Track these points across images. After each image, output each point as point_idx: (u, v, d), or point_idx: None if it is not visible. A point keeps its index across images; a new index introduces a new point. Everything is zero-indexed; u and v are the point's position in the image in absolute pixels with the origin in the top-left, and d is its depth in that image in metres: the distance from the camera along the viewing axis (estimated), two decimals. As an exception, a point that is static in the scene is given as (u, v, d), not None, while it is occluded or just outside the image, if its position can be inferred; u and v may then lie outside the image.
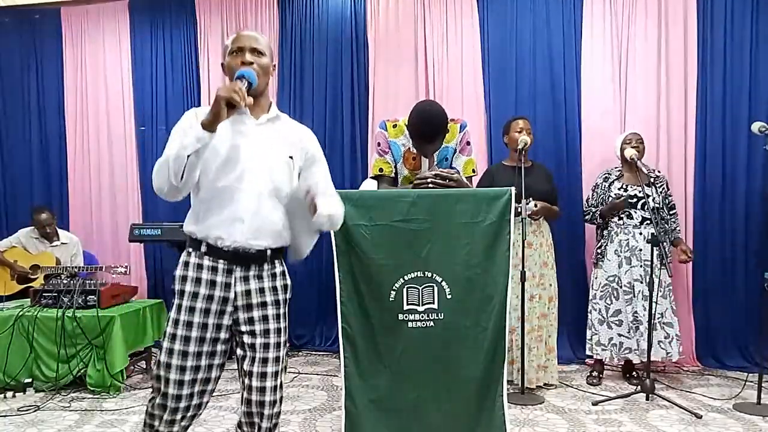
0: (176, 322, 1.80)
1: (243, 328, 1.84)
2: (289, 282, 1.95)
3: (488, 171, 3.87)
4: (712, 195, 4.07)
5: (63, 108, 5.11)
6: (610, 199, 3.66)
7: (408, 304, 2.41)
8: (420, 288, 2.42)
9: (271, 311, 1.86)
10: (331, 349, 4.48)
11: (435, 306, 2.42)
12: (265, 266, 1.87)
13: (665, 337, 3.58)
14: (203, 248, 1.82)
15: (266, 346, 1.83)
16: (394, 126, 2.80)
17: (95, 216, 5.05)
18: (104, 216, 5.03)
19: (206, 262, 1.82)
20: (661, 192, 3.65)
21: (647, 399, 3.32)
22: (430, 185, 2.51)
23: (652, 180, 3.64)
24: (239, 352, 1.86)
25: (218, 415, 3.18)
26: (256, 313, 1.84)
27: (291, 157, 1.92)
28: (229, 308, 1.83)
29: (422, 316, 2.42)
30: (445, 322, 2.42)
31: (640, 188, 3.63)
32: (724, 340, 4.06)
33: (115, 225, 5.00)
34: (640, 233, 3.61)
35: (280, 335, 1.87)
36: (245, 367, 1.83)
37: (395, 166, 2.82)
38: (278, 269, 1.91)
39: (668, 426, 2.98)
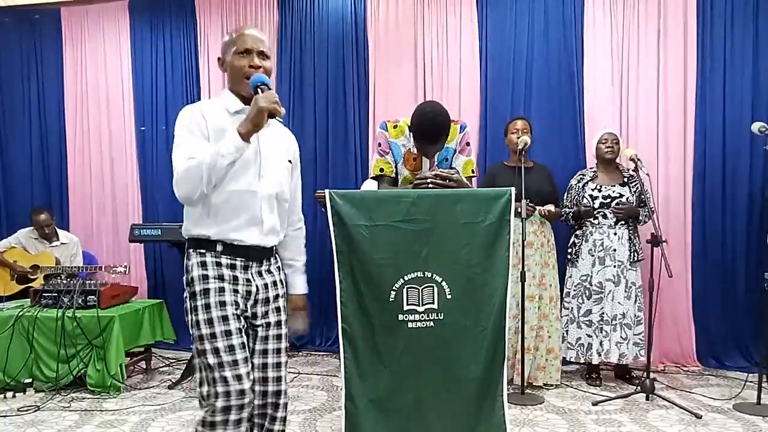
0: (209, 321, 1.77)
1: (259, 321, 1.89)
2: (285, 274, 2.07)
3: (489, 171, 3.88)
4: (713, 195, 4.07)
5: (63, 108, 5.11)
6: (584, 200, 3.66)
7: (408, 304, 2.41)
8: (420, 288, 2.41)
9: (281, 302, 1.96)
10: (331, 349, 4.48)
11: (435, 306, 2.41)
12: (272, 260, 1.96)
13: (623, 338, 3.57)
14: (219, 247, 1.83)
15: (279, 338, 1.92)
16: (395, 126, 2.80)
17: (95, 216, 5.05)
18: (104, 216, 5.03)
19: (224, 260, 1.84)
20: (635, 191, 3.64)
21: (647, 399, 3.32)
22: (430, 185, 2.51)
23: (626, 180, 3.63)
24: (250, 343, 1.89)
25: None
26: (272, 305, 1.93)
27: (290, 161, 2.00)
28: (251, 301, 1.87)
29: (422, 317, 2.41)
30: (445, 322, 2.41)
31: (614, 189, 3.64)
32: (724, 341, 4.06)
33: (115, 225, 5.00)
34: (615, 233, 3.62)
35: (284, 327, 1.98)
36: (255, 360, 1.87)
37: (396, 167, 2.82)
38: (278, 263, 2.02)
39: (668, 426, 2.98)
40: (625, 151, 3.64)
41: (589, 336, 3.62)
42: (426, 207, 2.40)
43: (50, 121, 5.14)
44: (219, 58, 1.94)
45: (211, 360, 1.75)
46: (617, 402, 3.34)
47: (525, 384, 3.38)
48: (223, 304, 1.79)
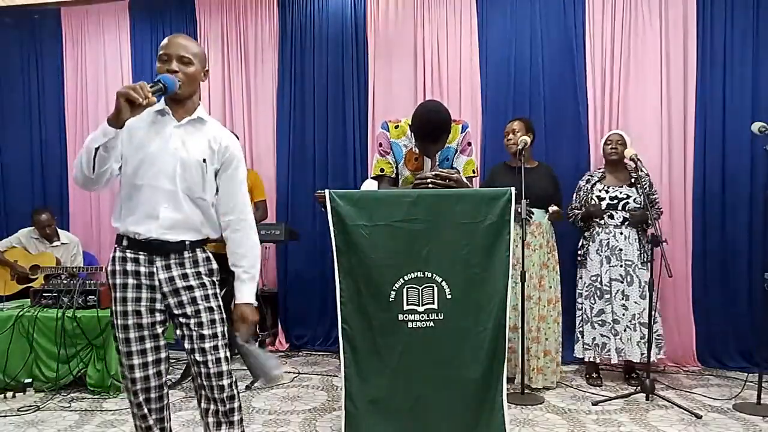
0: (115, 313, 1.94)
1: (176, 311, 1.96)
2: (215, 266, 2.04)
3: (491, 171, 3.88)
4: (713, 195, 4.07)
5: (63, 108, 5.11)
6: (592, 201, 3.65)
7: (408, 305, 2.41)
8: (420, 288, 2.41)
9: (198, 293, 1.96)
10: (331, 349, 4.47)
11: (435, 306, 2.42)
12: (186, 254, 1.97)
13: (641, 338, 3.54)
14: (124, 242, 1.94)
15: (200, 325, 1.95)
16: (396, 126, 2.80)
17: (95, 216, 5.05)
18: (104, 216, 5.02)
19: (128, 254, 1.94)
20: (642, 192, 3.62)
21: (647, 399, 3.32)
22: (430, 185, 2.51)
23: (633, 181, 3.63)
24: (178, 333, 1.98)
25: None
26: (185, 297, 1.95)
27: (204, 160, 1.96)
28: (158, 295, 1.95)
29: (422, 317, 2.42)
30: (445, 322, 2.42)
31: (621, 190, 3.64)
32: (724, 340, 4.06)
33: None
34: (621, 233, 3.61)
35: (211, 313, 1.97)
36: (186, 346, 1.96)
37: (396, 167, 2.82)
38: (201, 256, 2.01)
39: (668, 426, 2.98)
40: (625, 151, 3.63)
41: (603, 336, 3.61)
42: (426, 207, 2.40)
43: (50, 121, 5.14)
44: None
45: (120, 348, 1.96)
46: (617, 402, 3.34)
47: (524, 384, 3.38)
48: (124, 300, 1.93)
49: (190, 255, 1.98)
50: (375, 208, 2.41)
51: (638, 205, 3.60)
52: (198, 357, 1.93)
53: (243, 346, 2.00)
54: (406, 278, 2.40)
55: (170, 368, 4.08)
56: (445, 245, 2.41)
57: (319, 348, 4.62)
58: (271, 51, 4.76)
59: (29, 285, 4.23)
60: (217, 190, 2.01)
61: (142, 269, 1.93)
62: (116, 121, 1.74)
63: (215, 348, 1.96)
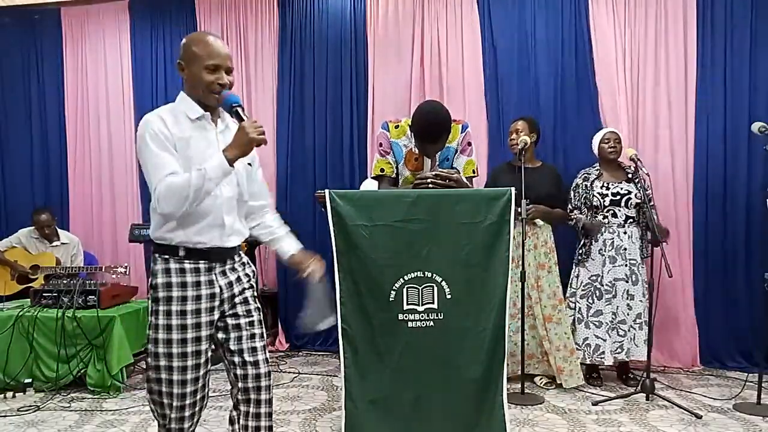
0: (169, 327, 1.86)
1: (228, 313, 1.96)
2: (253, 268, 2.11)
3: (494, 171, 3.87)
4: (713, 195, 4.06)
5: (63, 108, 5.11)
6: (594, 199, 3.64)
7: (408, 304, 2.41)
8: (420, 288, 2.42)
9: (248, 294, 2.01)
10: (331, 349, 4.47)
11: (435, 306, 2.42)
12: (236, 258, 2.01)
13: (647, 338, 3.53)
14: (181, 252, 1.88)
15: (251, 324, 1.97)
16: (396, 126, 2.80)
17: (95, 216, 5.05)
18: (104, 216, 5.03)
19: (187, 265, 1.89)
20: (640, 188, 3.61)
21: (647, 399, 3.32)
22: (430, 185, 2.52)
23: (630, 176, 3.62)
24: (221, 336, 1.95)
25: (218, 415, 3.18)
26: (238, 299, 1.98)
27: (250, 164, 2.02)
28: (217, 302, 1.92)
29: (422, 316, 2.42)
30: (444, 322, 2.42)
31: (622, 186, 3.62)
32: (724, 340, 4.06)
33: (115, 225, 5.00)
34: (625, 232, 3.60)
35: (259, 313, 2.03)
36: (233, 347, 1.94)
37: (396, 167, 2.82)
38: (244, 259, 2.07)
39: (668, 426, 2.98)
40: (625, 150, 3.62)
41: (598, 337, 3.58)
42: (426, 207, 2.41)
43: (50, 121, 5.14)
44: (179, 63, 1.93)
45: (162, 362, 1.87)
46: (617, 402, 3.34)
47: (526, 384, 3.38)
48: (183, 313, 1.86)
49: (239, 258, 2.03)
50: (375, 208, 2.41)
51: (639, 201, 3.58)
52: (248, 357, 1.94)
53: (318, 285, 2.05)
54: (406, 278, 2.41)
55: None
56: (445, 245, 2.41)
57: (319, 348, 4.62)
58: (271, 51, 4.76)
59: (29, 285, 4.23)
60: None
61: (203, 278, 1.89)
62: (237, 160, 1.79)
63: (264, 348, 2.00)
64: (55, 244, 4.50)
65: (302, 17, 4.70)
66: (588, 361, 3.64)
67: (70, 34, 5.09)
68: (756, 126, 3.30)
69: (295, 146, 4.72)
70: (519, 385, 3.38)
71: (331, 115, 4.66)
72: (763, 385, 3.23)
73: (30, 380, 3.57)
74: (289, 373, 4.01)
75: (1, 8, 5.12)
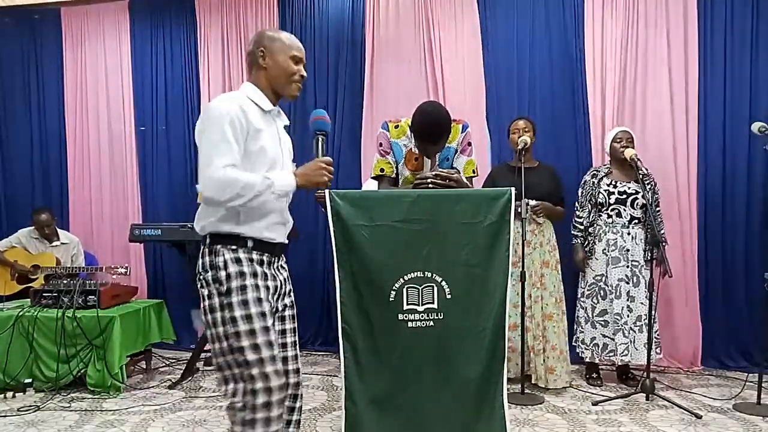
0: (248, 317, 1.79)
1: (280, 314, 1.98)
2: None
3: (491, 172, 3.87)
4: (713, 195, 4.06)
5: (63, 108, 5.11)
6: (600, 196, 3.63)
7: (408, 304, 2.41)
8: (420, 288, 2.41)
9: (291, 298, 2.05)
10: (331, 349, 4.47)
11: (435, 306, 2.42)
12: (284, 256, 2.06)
13: (646, 341, 3.53)
14: (250, 243, 1.87)
15: (294, 331, 2.02)
16: (396, 126, 2.80)
17: (95, 216, 5.05)
18: (104, 216, 5.03)
19: (255, 256, 1.89)
20: (649, 189, 3.61)
21: (647, 399, 3.32)
22: (430, 185, 2.51)
23: (640, 177, 3.62)
24: (287, 326, 2.00)
25: (218, 415, 3.18)
26: (288, 300, 2.02)
27: (293, 161, 2.08)
28: (277, 296, 1.95)
29: (422, 316, 2.42)
30: (444, 322, 2.42)
31: (629, 185, 3.62)
32: (724, 341, 4.06)
33: (115, 225, 5.01)
34: (629, 233, 3.60)
35: (293, 308, 2.07)
36: (289, 339, 1.99)
37: (396, 167, 2.82)
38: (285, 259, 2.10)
39: (668, 426, 2.98)
40: (625, 151, 3.62)
41: (606, 336, 3.58)
42: (426, 207, 2.40)
43: (50, 121, 5.14)
44: (260, 50, 1.93)
45: (251, 356, 1.76)
46: (617, 402, 3.34)
47: (530, 384, 3.37)
48: (260, 301, 1.82)
49: (284, 259, 2.07)
50: (375, 208, 2.41)
51: (646, 202, 3.57)
52: (291, 365, 1.97)
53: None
54: (406, 278, 2.40)
55: (171, 368, 4.12)
56: (445, 245, 2.41)
57: (319, 348, 4.62)
58: (271, 51, 4.76)
59: (29, 285, 4.23)
60: None
61: (268, 271, 1.91)
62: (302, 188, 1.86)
63: (298, 357, 2.02)
64: (55, 244, 4.50)
65: (302, 17, 4.70)
66: (597, 360, 3.65)
67: (70, 34, 5.09)
68: (756, 126, 3.30)
69: (295, 146, 4.67)
70: (519, 385, 3.38)
71: (331, 114, 4.65)
72: (763, 385, 3.23)
73: (30, 380, 3.57)
74: (289, 373, 4.00)
75: (1, 8, 5.12)
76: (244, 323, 1.78)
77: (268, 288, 1.88)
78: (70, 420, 3.15)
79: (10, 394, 3.50)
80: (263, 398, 1.75)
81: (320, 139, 1.92)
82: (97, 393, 3.52)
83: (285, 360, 1.93)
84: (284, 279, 2.01)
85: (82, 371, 3.53)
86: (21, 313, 3.58)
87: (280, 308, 1.97)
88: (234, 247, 1.86)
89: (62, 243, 4.52)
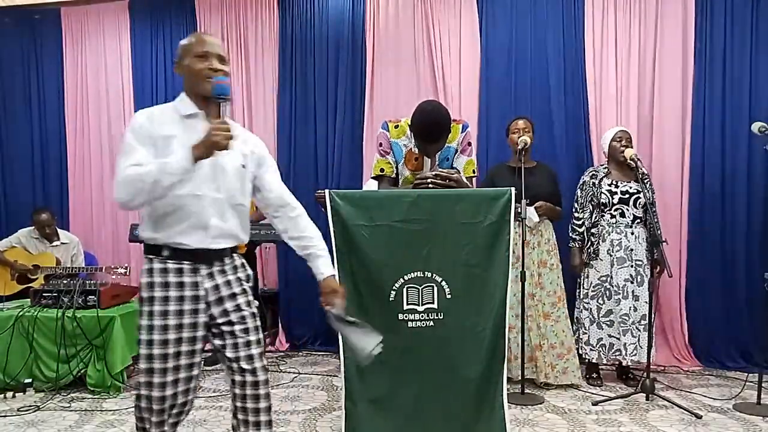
0: (151, 328, 1.84)
1: (220, 320, 1.92)
2: (250, 271, 2.06)
3: (489, 172, 3.87)
4: (712, 195, 4.06)
5: (63, 108, 5.11)
6: (602, 196, 3.63)
7: (408, 304, 2.41)
8: (420, 288, 2.42)
9: (242, 299, 1.96)
10: (331, 349, 4.47)
11: (435, 306, 2.42)
12: (226, 260, 1.96)
13: (650, 339, 3.53)
14: (165, 252, 1.86)
15: (246, 331, 1.94)
16: (396, 126, 2.80)
17: (95, 216, 5.05)
18: (104, 216, 5.03)
19: (170, 265, 1.87)
20: (649, 188, 3.60)
21: (647, 399, 3.32)
22: (430, 185, 2.52)
23: (640, 176, 3.61)
24: (217, 343, 1.94)
25: (218, 415, 3.18)
26: (229, 305, 1.93)
27: (244, 166, 1.97)
28: (202, 305, 1.90)
29: (422, 316, 2.42)
30: (444, 322, 2.42)
31: (630, 185, 3.62)
32: (724, 340, 4.05)
33: (115, 225, 5.01)
34: (632, 233, 3.60)
35: (255, 319, 1.98)
36: (229, 354, 1.92)
37: (396, 167, 2.82)
38: (238, 262, 2.02)
39: (668, 426, 2.98)
40: (626, 152, 3.61)
41: (612, 336, 3.58)
42: (426, 207, 2.41)
43: (50, 121, 5.14)
44: (175, 63, 1.96)
45: (143, 365, 1.85)
46: (617, 402, 3.34)
47: (531, 384, 3.37)
48: (165, 313, 1.84)
49: (230, 261, 1.98)
50: (375, 208, 2.41)
51: (647, 200, 3.56)
52: (245, 365, 1.91)
53: (342, 319, 1.99)
54: (406, 278, 2.41)
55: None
56: (445, 245, 2.42)
57: (319, 348, 4.62)
58: (271, 51, 4.76)
59: (29, 285, 4.23)
60: (258, 189, 2.02)
61: (186, 279, 1.87)
62: (202, 160, 1.75)
63: (262, 355, 1.96)
64: (55, 243, 4.50)
65: (302, 17, 4.71)
66: (605, 360, 3.65)
67: (70, 34, 5.09)
68: (756, 126, 3.29)
69: (296, 146, 4.72)
70: (519, 385, 3.38)
71: (332, 115, 4.66)
72: (763, 385, 3.23)
73: (30, 380, 3.57)
74: (289, 373, 4.01)
75: (1, 8, 5.12)
76: (145, 333, 1.85)
77: (182, 299, 1.85)
78: (70, 420, 3.15)
79: (10, 394, 3.50)
80: (144, 404, 1.86)
81: (220, 103, 1.82)
82: (97, 393, 3.51)
83: (237, 360, 1.90)
84: (216, 286, 1.91)
85: (82, 371, 3.53)
86: (21, 313, 3.58)
87: (217, 314, 1.91)
88: (151, 256, 1.88)
89: (62, 243, 4.52)
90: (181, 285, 1.86)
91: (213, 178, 1.87)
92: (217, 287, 1.92)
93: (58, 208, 5.02)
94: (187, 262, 1.87)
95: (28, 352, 3.55)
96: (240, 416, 1.95)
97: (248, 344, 1.93)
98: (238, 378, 1.92)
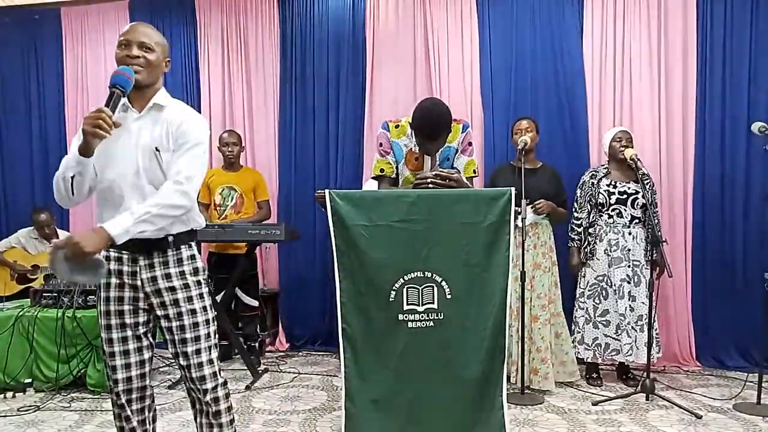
0: (99, 313, 1.96)
1: (159, 312, 1.94)
2: (199, 265, 2.01)
3: (494, 171, 3.86)
4: (712, 195, 4.06)
5: (63, 108, 5.11)
6: (600, 197, 3.63)
7: (408, 304, 2.41)
8: (420, 288, 2.41)
9: (180, 294, 1.93)
10: (331, 349, 4.47)
11: (435, 306, 2.42)
12: (170, 252, 1.94)
13: (650, 339, 3.52)
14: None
15: (181, 328, 1.93)
16: (397, 126, 2.80)
17: (95, 216, 5.01)
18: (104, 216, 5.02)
19: (112, 253, 1.92)
20: (649, 189, 3.61)
21: (647, 399, 3.32)
22: (430, 185, 2.51)
23: (639, 176, 3.61)
24: (166, 336, 1.97)
25: (218, 415, 3.18)
26: (167, 298, 1.92)
27: (157, 149, 1.89)
28: (141, 294, 1.93)
29: (422, 316, 2.42)
30: (444, 322, 2.42)
31: (629, 185, 3.61)
32: (724, 340, 4.06)
33: (115, 225, 4.99)
34: (630, 233, 3.60)
35: (193, 315, 1.94)
36: (170, 349, 1.97)
37: (396, 167, 2.82)
38: (185, 254, 1.97)
39: (668, 426, 2.98)
40: (625, 151, 3.62)
41: (608, 336, 3.58)
42: (426, 207, 2.40)
43: (50, 121, 5.13)
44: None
45: (103, 348, 1.97)
46: (617, 402, 3.34)
47: (524, 384, 3.37)
48: (107, 300, 1.93)
49: (174, 253, 1.94)
50: (375, 208, 2.41)
51: (646, 201, 3.56)
52: (181, 361, 1.94)
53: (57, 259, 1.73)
54: (406, 278, 2.40)
55: (171, 368, 4.12)
56: (445, 245, 2.41)
57: (319, 348, 4.62)
58: (271, 51, 4.76)
59: (29, 285, 4.23)
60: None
61: (125, 268, 1.91)
62: (86, 152, 1.78)
63: (197, 352, 1.93)
64: (54, 243, 4.49)
65: (302, 17, 4.70)
66: (600, 360, 3.65)
67: (70, 34, 5.09)
68: (756, 126, 3.29)
69: (296, 146, 4.71)
70: (519, 385, 3.38)
71: (332, 115, 4.66)
72: (763, 385, 3.23)
73: (30, 380, 3.57)
74: (289, 373, 4.01)
75: (1, 8, 5.11)
76: (98, 318, 1.98)
77: (122, 286, 1.91)
78: (70, 420, 3.15)
79: (10, 394, 3.50)
80: (111, 387, 1.97)
81: (112, 93, 1.77)
82: (97, 393, 3.51)
83: (176, 356, 1.94)
84: (153, 278, 1.90)
85: (82, 371, 3.53)
86: (21, 313, 3.58)
87: (156, 305, 1.92)
88: None
89: (62, 243, 4.51)
90: (120, 273, 1.92)
91: (134, 164, 1.88)
92: (154, 279, 1.91)
93: (58, 208, 5.00)
94: (126, 252, 1.90)
95: (28, 352, 3.55)
96: (197, 406, 2.01)
97: (183, 341, 1.92)
98: (181, 372, 1.99)
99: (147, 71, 1.89)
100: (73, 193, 1.91)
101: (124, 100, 1.87)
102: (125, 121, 1.89)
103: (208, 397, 1.95)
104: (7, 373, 3.55)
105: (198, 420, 2.01)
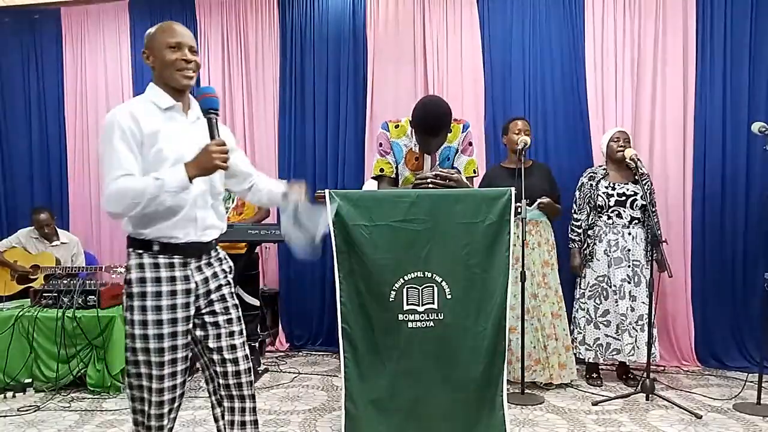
0: (144, 323, 1.84)
1: (204, 310, 1.95)
2: (231, 263, 2.09)
3: (486, 174, 3.86)
4: (712, 195, 4.06)
5: (63, 108, 5.11)
6: (599, 199, 3.63)
7: (408, 304, 2.41)
8: (420, 288, 2.42)
9: (226, 290, 2.01)
10: (331, 349, 4.47)
11: (435, 306, 2.42)
12: (212, 253, 2.00)
13: (650, 338, 3.53)
14: (155, 247, 1.86)
15: (229, 321, 1.98)
16: (397, 126, 2.80)
17: (95, 216, 5.05)
18: (104, 216, 5.02)
19: (161, 260, 1.87)
20: (648, 189, 3.59)
21: (647, 399, 3.32)
22: (430, 185, 2.52)
23: (637, 177, 3.60)
24: (198, 333, 1.95)
25: (218, 415, 3.18)
26: (215, 295, 1.97)
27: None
28: (192, 298, 1.91)
29: (422, 316, 2.42)
30: (444, 322, 2.42)
31: (628, 186, 3.61)
32: (724, 340, 4.05)
33: (115, 225, 4.99)
34: (629, 233, 3.60)
35: (237, 310, 2.03)
36: (211, 344, 1.95)
37: (396, 167, 2.82)
38: (221, 253, 2.06)
39: (668, 426, 2.98)
40: (625, 151, 3.61)
41: (609, 336, 3.58)
42: (426, 207, 2.41)
43: (50, 121, 5.13)
44: (144, 52, 1.93)
45: (141, 357, 1.85)
46: (617, 402, 3.34)
47: (530, 384, 3.37)
48: (158, 308, 1.84)
49: (215, 253, 2.02)
50: (375, 208, 2.41)
51: (644, 202, 3.57)
52: (227, 354, 1.95)
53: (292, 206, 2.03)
54: (406, 278, 2.41)
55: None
56: (445, 245, 2.41)
57: (319, 348, 4.63)
58: (271, 51, 4.76)
59: (29, 285, 4.23)
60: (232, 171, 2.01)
61: (177, 273, 1.87)
62: (198, 178, 1.79)
63: (244, 344, 2.01)
64: (54, 243, 4.50)
65: (302, 17, 4.70)
66: (601, 360, 3.65)
67: (70, 34, 5.09)
68: (756, 126, 3.29)
69: (296, 146, 4.72)
70: (519, 385, 3.38)
71: (332, 115, 4.66)
72: (763, 385, 3.23)
73: (30, 380, 3.57)
74: (289, 373, 4.01)
75: (1, 8, 5.11)
76: (139, 328, 1.84)
77: (174, 293, 1.86)
78: (70, 420, 3.15)
79: (10, 394, 3.50)
80: (145, 394, 1.88)
81: (212, 119, 1.82)
82: (97, 393, 3.52)
83: (220, 350, 1.94)
84: (205, 279, 1.94)
85: (82, 371, 3.53)
86: (21, 313, 3.58)
87: (203, 306, 1.94)
88: (140, 251, 1.87)
89: (62, 243, 4.52)
90: (172, 279, 1.87)
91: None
92: (206, 280, 1.95)
93: (58, 208, 5.01)
94: (178, 257, 1.88)
95: (28, 352, 3.55)
96: (226, 404, 1.99)
97: (231, 334, 1.97)
98: (219, 369, 1.96)
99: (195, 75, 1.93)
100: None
101: (173, 102, 1.89)
102: (178, 125, 1.89)
103: (248, 391, 1.98)
104: (7, 373, 3.55)
105: (232, 418, 1.99)
